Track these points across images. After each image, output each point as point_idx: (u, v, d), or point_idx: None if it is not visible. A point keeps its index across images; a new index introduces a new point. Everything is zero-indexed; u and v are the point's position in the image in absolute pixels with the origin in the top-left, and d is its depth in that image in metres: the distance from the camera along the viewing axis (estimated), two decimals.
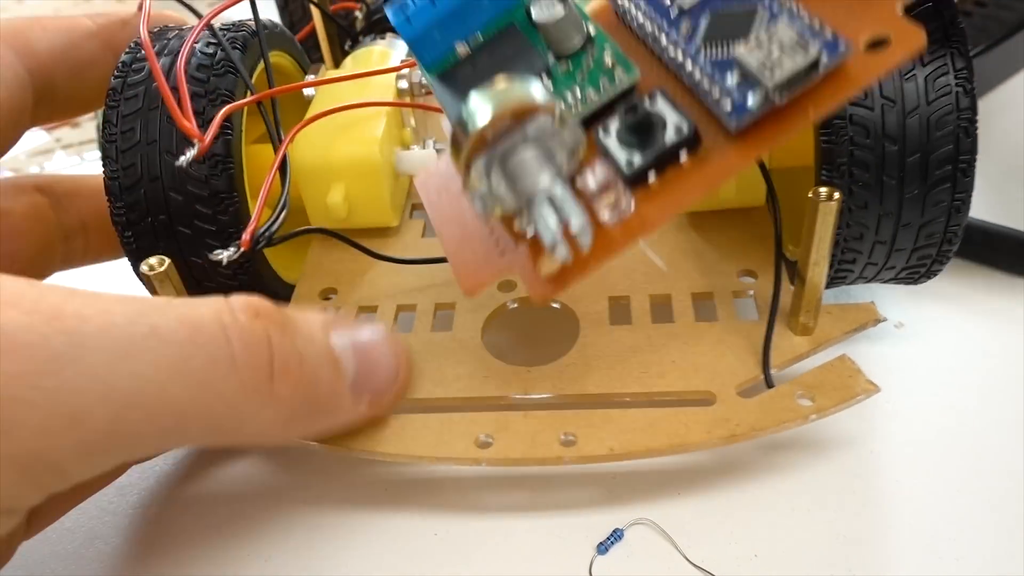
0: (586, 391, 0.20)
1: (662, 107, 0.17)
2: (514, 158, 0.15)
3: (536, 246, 0.17)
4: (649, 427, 0.19)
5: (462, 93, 0.19)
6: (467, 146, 0.15)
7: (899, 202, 0.20)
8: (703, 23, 0.17)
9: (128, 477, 0.23)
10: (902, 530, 0.19)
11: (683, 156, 0.16)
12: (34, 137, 0.41)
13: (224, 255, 0.19)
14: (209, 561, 0.21)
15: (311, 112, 0.25)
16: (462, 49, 0.20)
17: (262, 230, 0.20)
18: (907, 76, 0.19)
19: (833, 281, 0.22)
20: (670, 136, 0.16)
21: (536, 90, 0.15)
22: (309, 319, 0.18)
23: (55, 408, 0.14)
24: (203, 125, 0.20)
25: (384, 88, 0.26)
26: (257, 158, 0.24)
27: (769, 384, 0.20)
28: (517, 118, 0.15)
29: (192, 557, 0.21)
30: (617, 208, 0.16)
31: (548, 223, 0.15)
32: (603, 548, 0.19)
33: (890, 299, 0.25)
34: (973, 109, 0.19)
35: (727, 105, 0.16)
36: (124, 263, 0.23)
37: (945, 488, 0.20)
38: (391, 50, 0.29)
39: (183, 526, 0.22)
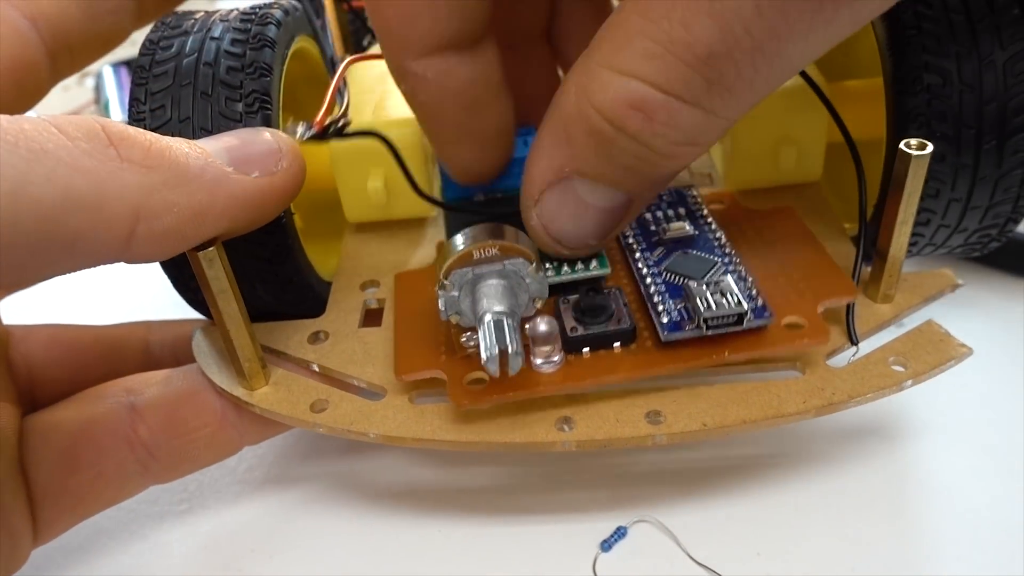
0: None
1: (616, 302, 0.20)
2: (485, 283, 0.18)
3: (469, 363, 0.19)
4: (741, 399, 0.18)
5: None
6: (454, 256, 0.18)
7: (976, 154, 0.19)
8: (672, 256, 0.21)
9: None
10: (905, 529, 0.20)
11: (616, 345, 0.19)
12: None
13: (300, 129, 0.19)
14: (213, 558, 0.21)
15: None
16: (479, 197, 0.23)
17: (330, 123, 0.20)
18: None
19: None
20: (613, 325, 0.19)
21: (528, 243, 0.18)
22: None
23: None
24: (240, 99, 0.20)
25: None
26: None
27: (853, 341, 0.20)
28: (503, 251, 0.18)
29: (196, 553, 0.21)
30: (550, 360, 0.19)
31: (491, 341, 0.17)
32: (607, 545, 0.20)
33: None
34: None
35: (665, 318, 0.19)
36: None
37: (948, 489, 0.20)
38: None
39: (187, 523, 0.22)
